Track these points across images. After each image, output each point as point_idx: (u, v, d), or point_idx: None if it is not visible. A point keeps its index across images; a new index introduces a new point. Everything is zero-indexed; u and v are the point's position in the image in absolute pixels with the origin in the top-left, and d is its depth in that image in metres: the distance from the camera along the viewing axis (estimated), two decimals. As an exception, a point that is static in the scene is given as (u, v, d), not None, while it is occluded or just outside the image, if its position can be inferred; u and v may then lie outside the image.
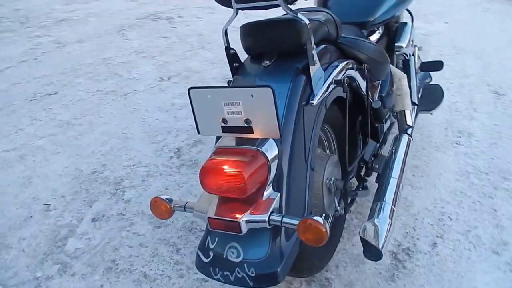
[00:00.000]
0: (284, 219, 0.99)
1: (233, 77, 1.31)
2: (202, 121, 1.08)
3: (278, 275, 1.02)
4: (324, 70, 1.28)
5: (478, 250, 1.71)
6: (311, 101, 1.18)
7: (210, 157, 1.06)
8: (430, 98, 2.27)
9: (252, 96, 0.99)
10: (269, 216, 1.00)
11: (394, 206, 1.35)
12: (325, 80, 1.24)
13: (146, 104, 2.63)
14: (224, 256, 1.06)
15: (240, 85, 1.00)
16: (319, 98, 1.19)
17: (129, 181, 1.98)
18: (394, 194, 1.40)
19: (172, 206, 1.12)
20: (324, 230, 0.93)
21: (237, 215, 1.01)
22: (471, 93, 3.34)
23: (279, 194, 1.07)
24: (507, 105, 3.13)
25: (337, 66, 1.33)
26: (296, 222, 0.97)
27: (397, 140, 1.74)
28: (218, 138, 1.27)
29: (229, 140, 1.11)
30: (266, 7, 1.15)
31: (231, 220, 1.00)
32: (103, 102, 2.62)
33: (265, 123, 1.01)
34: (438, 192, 2.06)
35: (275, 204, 1.04)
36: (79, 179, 1.97)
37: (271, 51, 1.26)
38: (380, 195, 1.40)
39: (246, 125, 1.03)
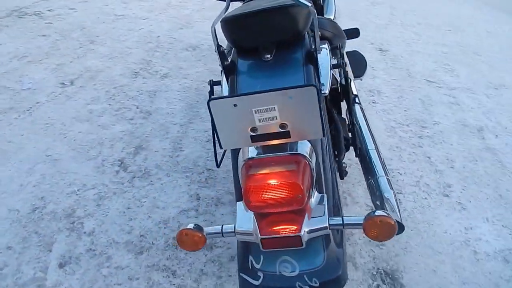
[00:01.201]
0: (346, 221, 0.97)
1: (226, 77, 1.21)
2: (225, 134, 0.97)
3: (342, 278, 1.01)
4: None
5: (432, 196, 1.93)
6: (323, 92, 1.16)
7: (247, 173, 0.98)
8: (356, 64, 2.41)
9: (290, 98, 0.93)
10: (329, 221, 0.97)
11: (388, 176, 1.42)
12: (326, 66, 1.22)
13: (59, 116, 2.29)
14: (278, 273, 1.01)
15: (274, 88, 0.92)
16: (328, 87, 1.17)
17: (82, 209, 1.73)
18: (382, 164, 1.47)
19: (205, 234, 1.02)
20: (393, 223, 0.94)
21: (296, 228, 0.96)
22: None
23: (324, 195, 1.04)
24: (394, 59, 3.50)
25: (326, 49, 1.31)
26: (361, 221, 0.95)
27: (352, 112, 1.81)
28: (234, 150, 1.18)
29: (253, 148, 1.04)
30: None
31: (291, 236, 0.95)
32: (3, 123, 2.20)
33: (306, 124, 0.95)
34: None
35: (327, 206, 1.01)
36: (20, 222, 1.66)
37: (269, 43, 1.18)
38: (370, 171, 1.45)
39: (282, 130, 0.96)
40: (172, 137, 2.20)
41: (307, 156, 1.00)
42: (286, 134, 0.96)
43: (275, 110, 0.93)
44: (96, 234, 1.63)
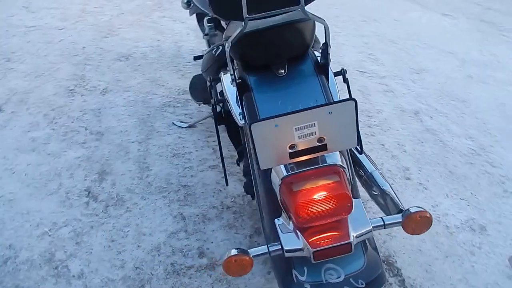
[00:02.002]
0: (386, 221, 1.04)
1: (240, 94, 1.19)
2: (264, 154, 0.99)
3: (383, 275, 1.08)
4: None
5: (397, 181, 2.09)
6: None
7: (291, 190, 0.99)
8: None
9: (330, 113, 0.96)
10: (371, 223, 1.03)
11: (379, 170, 1.52)
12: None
13: (-3, 150, 2.04)
14: (325, 282, 1.05)
15: (315, 105, 0.95)
16: (338, 94, 1.21)
17: (61, 251, 1.58)
18: (370, 160, 1.55)
19: (251, 256, 1.01)
20: (429, 216, 1.02)
21: (345, 235, 1.00)
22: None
23: (360, 199, 1.09)
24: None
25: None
26: (400, 219, 1.03)
27: None
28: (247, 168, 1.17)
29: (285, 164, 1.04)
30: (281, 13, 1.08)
31: (342, 244, 0.99)
32: None
33: (342, 135, 1.00)
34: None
35: (365, 209, 1.07)
36: (-6, 278, 1.46)
37: (282, 58, 1.19)
38: (361, 168, 1.53)
39: (319, 144, 1.00)
40: (134, 156, 2.09)
41: (343, 165, 1.04)
42: (323, 147, 1.00)
43: (314, 125, 0.97)
44: (86, 275, 1.50)
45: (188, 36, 3.35)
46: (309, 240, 0.99)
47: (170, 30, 3.42)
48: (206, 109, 2.41)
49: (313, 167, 1.02)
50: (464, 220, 1.84)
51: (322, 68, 1.19)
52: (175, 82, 2.75)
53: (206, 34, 2.38)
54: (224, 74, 1.42)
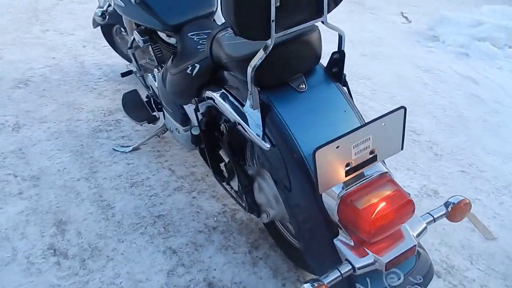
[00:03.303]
0: (434, 215, 1.11)
1: (263, 116, 1.15)
2: (323, 179, 0.99)
3: (432, 264, 1.16)
4: None
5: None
6: None
7: (355, 207, 1.00)
8: None
9: (384, 124, 1.00)
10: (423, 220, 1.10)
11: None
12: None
13: None
14: (389, 287, 1.10)
15: (370, 120, 0.98)
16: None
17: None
18: None
19: (326, 283, 1.01)
20: (468, 201, 1.12)
21: (409, 239, 1.05)
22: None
23: None
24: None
25: None
26: (444, 210, 1.11)
27: None
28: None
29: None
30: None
31: (409, 248, 1.04)
32: None
33: (389, 143, 1.04)
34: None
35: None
36: None
37: (302, 72, 1.18)
38: None
39: (371, 156, 1.03)
40: (88, 196, 1.86)
41: (389, 171, 1.09)
42: (374, 158, 1.03)
43: (369, 139, 0.99)
44: None
45: (86, 49, 3.03)
46: (380, 253, 1.02)
47: (62, 45, 3.05)
48: (144, 128, 2.25)
49: (364, 179, 1.05)
50: (419, 188, 2.07)
51: (336, 75, 1.21)
52: (94, 103, 2.49)
53: (131, 48, 2.20)
54: (219, 94, 1.34)
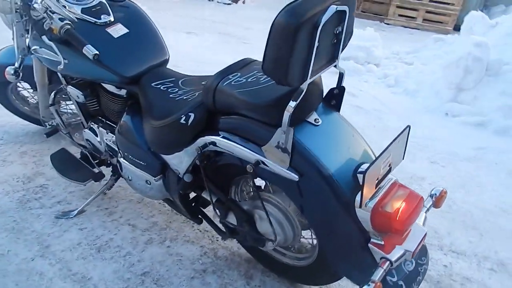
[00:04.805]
0: (425, 204, 1.40)
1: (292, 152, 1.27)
2: (365, 195, 1.20)
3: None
4: None
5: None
6: None
7: (387, 211, 1.22)
8: None
9: (398, 142, 1.26)
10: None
11: None
12: None
13: None
14: (408, 272, 1.34)
15: (392, 142, 1.22)
16: None
17: None
18: None
19: (381, 283, 1.21)
20: (446, 190, 1.45)
21: (421, 228, 1.33)
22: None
23: None
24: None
25: None
26: (431, 201, 1.42)
27: None
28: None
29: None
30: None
31: (424, 235, 1.32)
32: None
33: (397, 155, 1.31)
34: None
35: None
36: None
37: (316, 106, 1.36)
38: None
39: (388, 168, 1.28)
40: (55, 273, 1.67)
41: (395, 178, 1.35)
42: (390, 170, 1.29)
43: (390, 155, 1.24)
44: None
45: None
46: (407, 244, 1.27)
47: None
48: (78, 188, 2.11)
49: (382, 188, 1.28)
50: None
51: (335, 107, 1.41)
52: (3, 172, 2.19)
53: (53, 104, 2.07)
54: (224, 138, 1.40)
